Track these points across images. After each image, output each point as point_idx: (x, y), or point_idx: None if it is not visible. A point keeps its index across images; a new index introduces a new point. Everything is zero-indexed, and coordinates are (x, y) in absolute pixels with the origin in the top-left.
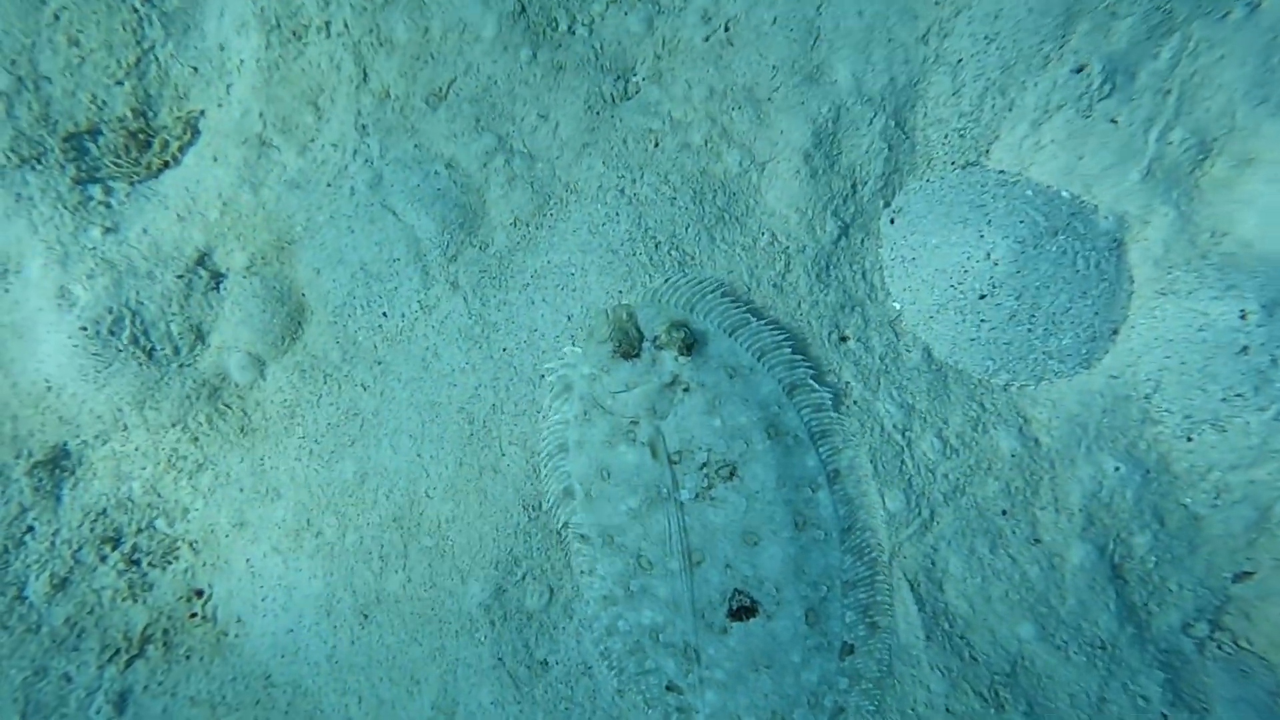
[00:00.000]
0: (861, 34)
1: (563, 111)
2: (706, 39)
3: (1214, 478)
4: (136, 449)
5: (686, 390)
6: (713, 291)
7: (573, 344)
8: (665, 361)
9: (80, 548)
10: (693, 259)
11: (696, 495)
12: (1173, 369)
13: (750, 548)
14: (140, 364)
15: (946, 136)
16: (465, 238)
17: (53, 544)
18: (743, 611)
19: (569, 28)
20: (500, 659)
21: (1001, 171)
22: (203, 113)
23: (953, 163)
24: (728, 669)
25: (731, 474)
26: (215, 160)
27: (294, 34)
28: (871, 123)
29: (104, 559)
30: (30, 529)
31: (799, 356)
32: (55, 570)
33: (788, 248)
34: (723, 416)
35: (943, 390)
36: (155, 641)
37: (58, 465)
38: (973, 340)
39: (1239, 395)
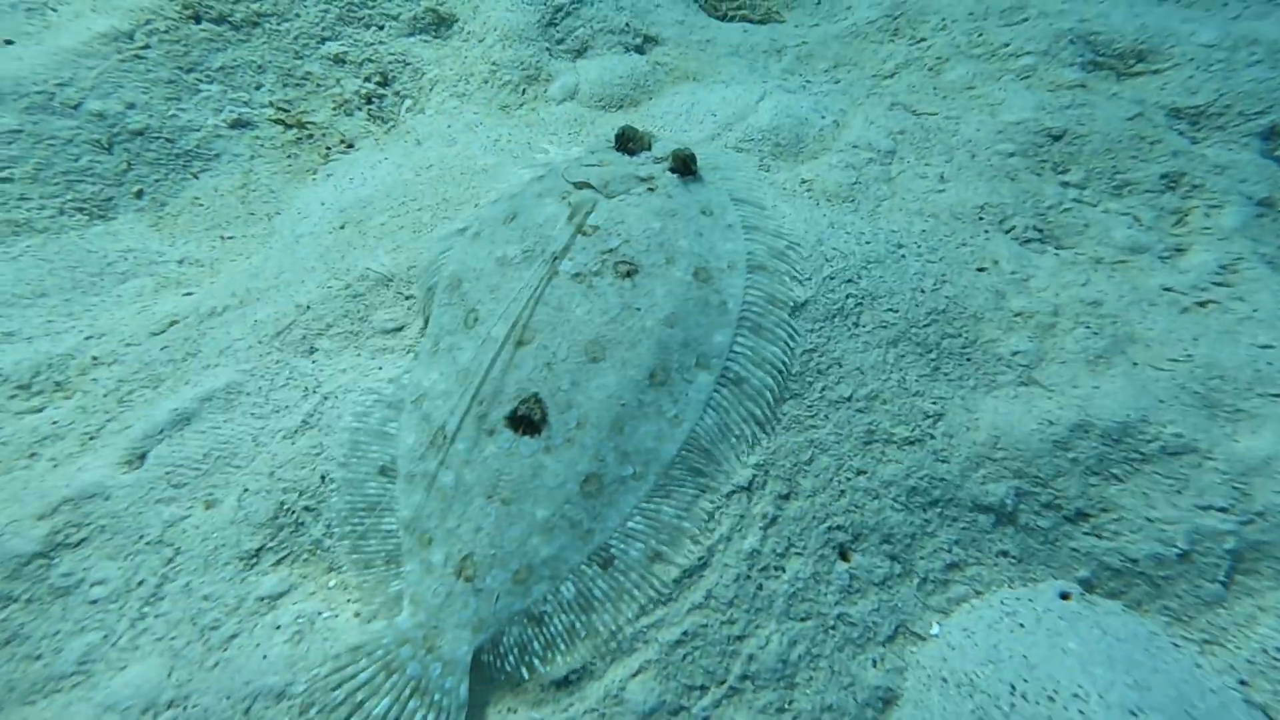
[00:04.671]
0: None
1: None
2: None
3: None
4: (466, 60)
5: (651, 190)
6: (755, 183)
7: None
8: (651, 167)
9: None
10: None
11: (578, 273)
12: None
13: (587, 362)
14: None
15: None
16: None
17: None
18: (525, 424)
19: None
20: (318, 302)
21: None
22: None
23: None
24: (463, 477)
25: (629, 274)
26: None
27: None
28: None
29: (356, 75)
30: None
31: (791, 253)
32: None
33: (939, 452)
34: (666, 226)
35: None
36: (328, 136)
37: (442, 20)
38: None
39: None
